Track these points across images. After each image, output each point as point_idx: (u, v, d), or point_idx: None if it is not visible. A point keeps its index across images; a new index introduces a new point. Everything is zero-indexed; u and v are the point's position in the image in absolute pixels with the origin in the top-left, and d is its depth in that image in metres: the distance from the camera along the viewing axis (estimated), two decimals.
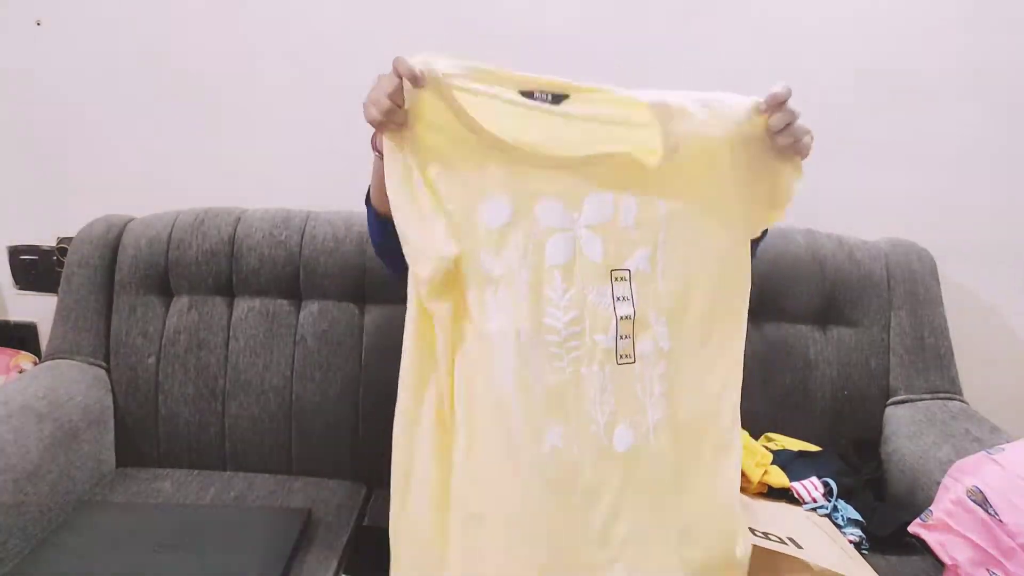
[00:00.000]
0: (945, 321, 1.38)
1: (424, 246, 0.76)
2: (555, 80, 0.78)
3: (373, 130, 0.81)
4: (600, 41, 1.46)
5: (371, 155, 0.87)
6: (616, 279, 0.77)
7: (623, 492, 0.77)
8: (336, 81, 1.50)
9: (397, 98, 0.75)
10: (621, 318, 0.76)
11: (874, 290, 1.37)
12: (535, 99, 0.78)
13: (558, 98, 0.79)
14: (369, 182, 0.96)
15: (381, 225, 0.95)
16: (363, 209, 1.38)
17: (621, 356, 0.77)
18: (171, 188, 1.54)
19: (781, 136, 0.79)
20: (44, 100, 1.54)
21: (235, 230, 1.36)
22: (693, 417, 0.81)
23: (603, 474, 0.76)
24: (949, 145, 1.49)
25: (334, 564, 1.08)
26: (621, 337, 0.77)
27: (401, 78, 0.74)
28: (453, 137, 0.76)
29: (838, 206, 1.52)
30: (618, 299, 0.77)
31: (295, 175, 1.55)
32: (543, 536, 0.76)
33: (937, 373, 1.36)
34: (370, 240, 1.06)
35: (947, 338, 1.38)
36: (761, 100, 0.78)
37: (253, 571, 1.00)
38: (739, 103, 0.79)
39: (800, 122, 0.80)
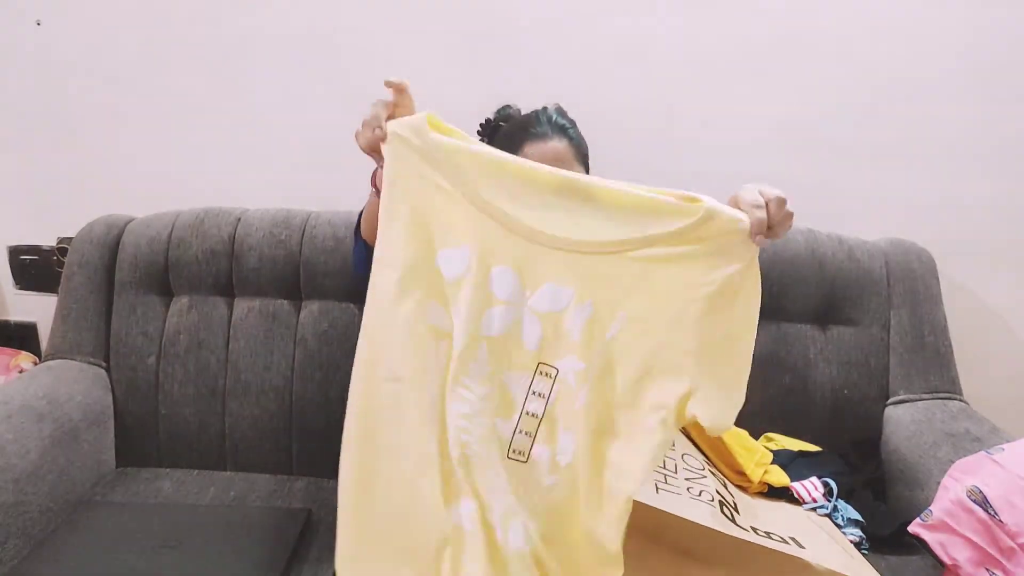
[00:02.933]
0: (945, 320, 1.38)
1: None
2: (584, 183, 0.72)
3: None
4: (608, 37, 1.46)
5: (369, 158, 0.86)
6: (541, 372, 0.72)
7: None
8: (336, 81, 1.50)
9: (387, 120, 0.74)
10: (526, 413, 0.71)
11: (874, 289, 1.37)
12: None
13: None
14: (364, 200, 0.95)
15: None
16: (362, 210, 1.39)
17: (513, 451, 0.71)
18: (171, 188, 1.54)
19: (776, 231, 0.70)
20: (44, 100, 1.54)
21: (235, 230, 1.36)
22: (567, 545, 0.71)
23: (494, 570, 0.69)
24: (949, 145, 1.49)
25: (334, 564, 1.08)
26: (519, 431, 0.71)
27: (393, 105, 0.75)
28: (429, 184, 0.73)
29: (838, 206, 1.52)
30: (533, 393, 0.71)
31: (295, 175, 1.55)
32: None
33: (937, 372, 1.35)
34: (354, 270, 1.02)
35: (947, 337, 1.38)
36: (747, 224, 0.69)
37: (253, 571, 1.00)
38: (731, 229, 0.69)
39: (781, 209, 0.70)
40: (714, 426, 0.70)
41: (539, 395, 0.71)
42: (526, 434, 0.70)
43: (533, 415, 0.70)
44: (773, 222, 0.68)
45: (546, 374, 0.71)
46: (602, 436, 0.71)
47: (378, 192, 0.80)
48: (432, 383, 0.71)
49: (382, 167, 0.76)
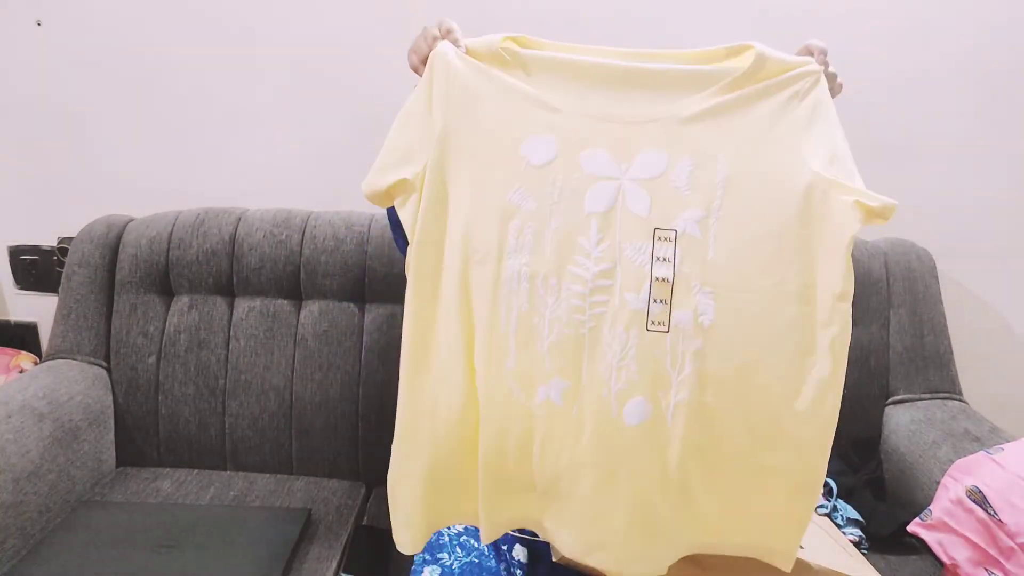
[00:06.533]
0: (944, 320, 1.38)
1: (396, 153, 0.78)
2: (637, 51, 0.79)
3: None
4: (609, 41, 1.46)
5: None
6: (659, 238, 0.70)
7: (613, 478, 0.69)
8: (337, 81, 1.50)
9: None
10: (657, 279, 0.69)
11: (873, 289, 1.37)
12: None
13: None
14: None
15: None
16: (363, 210, 1.40)
17: (652, 322, 0.68)
18: (171, 188, 1.54)
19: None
20: (44, 100, 1.54)
21: (236, 230, 1.36)
22: (727, 411, 0.70)
23: (599, 450, 0.69)
24: (948, 144, 1.49)
25: (334, 564, 1.08)
26: (655, 301, 0.69)
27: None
28: (499, 86, 0.76)
29: None
30: (658, 259, 0.69)
31: (295, 175, 1.55)
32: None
33: (936, 372, 1.36)
34: (396, 244, 1.10)
35: (946, 337, 1.38)
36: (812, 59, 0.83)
37: (253, 571, 1.00)
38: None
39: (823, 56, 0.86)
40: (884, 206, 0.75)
41: (664, 260, 0.70)
42: (662, 302, 0.69)
43: (664, 280, 0.69)
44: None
45: (665, 238, 0.70)
46: (740, 287, 0.71)
47: None
48: (501, 259, 0.72)
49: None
